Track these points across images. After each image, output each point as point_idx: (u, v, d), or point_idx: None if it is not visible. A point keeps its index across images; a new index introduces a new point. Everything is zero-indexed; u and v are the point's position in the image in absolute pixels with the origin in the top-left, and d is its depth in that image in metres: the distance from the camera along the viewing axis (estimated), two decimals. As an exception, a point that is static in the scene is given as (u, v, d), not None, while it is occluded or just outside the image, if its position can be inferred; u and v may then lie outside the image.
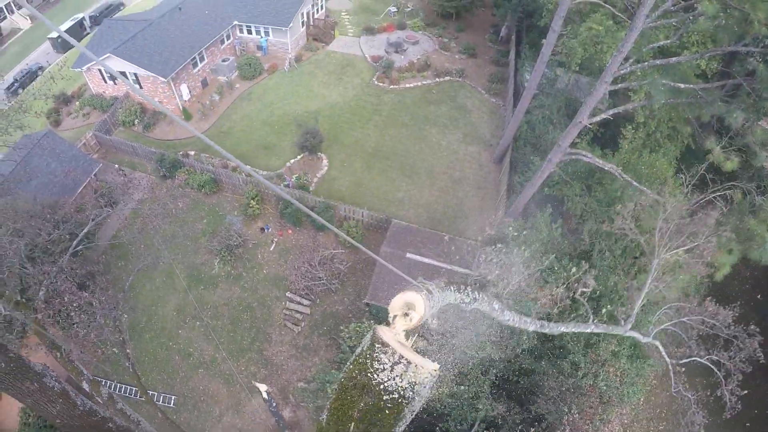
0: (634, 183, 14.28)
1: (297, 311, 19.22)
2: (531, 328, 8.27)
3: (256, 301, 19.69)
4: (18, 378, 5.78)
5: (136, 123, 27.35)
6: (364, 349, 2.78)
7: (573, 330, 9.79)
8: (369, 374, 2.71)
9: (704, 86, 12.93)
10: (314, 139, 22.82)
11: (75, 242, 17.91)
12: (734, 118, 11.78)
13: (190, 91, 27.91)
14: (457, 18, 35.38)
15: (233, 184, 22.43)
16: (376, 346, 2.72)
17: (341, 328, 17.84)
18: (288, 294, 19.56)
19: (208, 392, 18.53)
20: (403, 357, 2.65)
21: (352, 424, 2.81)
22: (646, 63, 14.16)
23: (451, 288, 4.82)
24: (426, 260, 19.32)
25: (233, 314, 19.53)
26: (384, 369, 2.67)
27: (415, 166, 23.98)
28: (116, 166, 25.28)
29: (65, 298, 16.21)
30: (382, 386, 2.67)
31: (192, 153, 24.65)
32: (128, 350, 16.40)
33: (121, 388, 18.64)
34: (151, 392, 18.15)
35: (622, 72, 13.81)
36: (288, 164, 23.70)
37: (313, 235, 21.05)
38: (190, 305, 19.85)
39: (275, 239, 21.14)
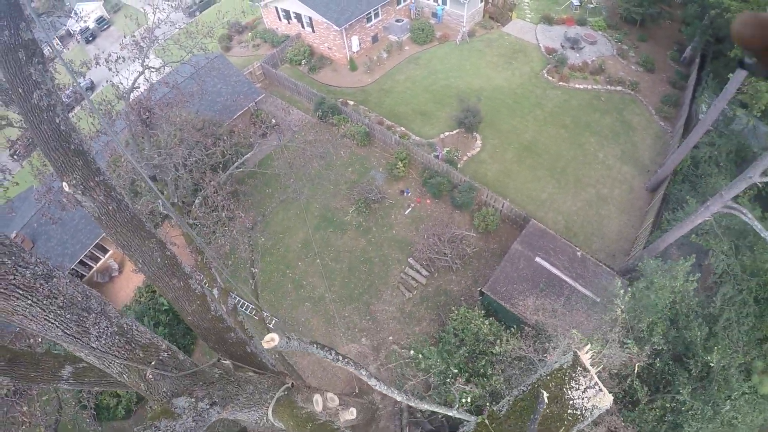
0: None
1: (413, 278, 19.21)
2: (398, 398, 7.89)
3: (378, 258, 19.96)
4: (168, 274, 6.09)
5: (302, 63, 28.55)
6: (566, 367, 3.11)
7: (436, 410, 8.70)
8: (564, 389, 3.07)
9: None
10: (473, 118, 22.21)
11: (235, 164, 19.19)
12: None
13: (359, 44, 28.44)
14: (640, 26, 32.10)
15: (385, 141, 22.69)
16: (578, 368, 3.07)
17: (451, 308, 17.52)
18: (410, 260, 19.58)
19: (308, 325, 19.33)
20: (597, 383, 3.00)
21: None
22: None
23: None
24: (553, 270, 18.28)
25: (352, 263, 20.01)
26: (578, 389, 3.03)
27: (566, 171, 22.45)
28: (279, 101, 26.63)
29: (222, 213, 17.48)
30: (571, 402, 3.03)
31: (351, 103, 25.22)
32: (255, 269, 17.35)
33: (240, 301, 19.98)
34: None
35: None
36: (442, 136, 23.41)
37: (450, 211, 20.74)
38: (316, 243, 20.70)
39: (412, 204, 21.17)
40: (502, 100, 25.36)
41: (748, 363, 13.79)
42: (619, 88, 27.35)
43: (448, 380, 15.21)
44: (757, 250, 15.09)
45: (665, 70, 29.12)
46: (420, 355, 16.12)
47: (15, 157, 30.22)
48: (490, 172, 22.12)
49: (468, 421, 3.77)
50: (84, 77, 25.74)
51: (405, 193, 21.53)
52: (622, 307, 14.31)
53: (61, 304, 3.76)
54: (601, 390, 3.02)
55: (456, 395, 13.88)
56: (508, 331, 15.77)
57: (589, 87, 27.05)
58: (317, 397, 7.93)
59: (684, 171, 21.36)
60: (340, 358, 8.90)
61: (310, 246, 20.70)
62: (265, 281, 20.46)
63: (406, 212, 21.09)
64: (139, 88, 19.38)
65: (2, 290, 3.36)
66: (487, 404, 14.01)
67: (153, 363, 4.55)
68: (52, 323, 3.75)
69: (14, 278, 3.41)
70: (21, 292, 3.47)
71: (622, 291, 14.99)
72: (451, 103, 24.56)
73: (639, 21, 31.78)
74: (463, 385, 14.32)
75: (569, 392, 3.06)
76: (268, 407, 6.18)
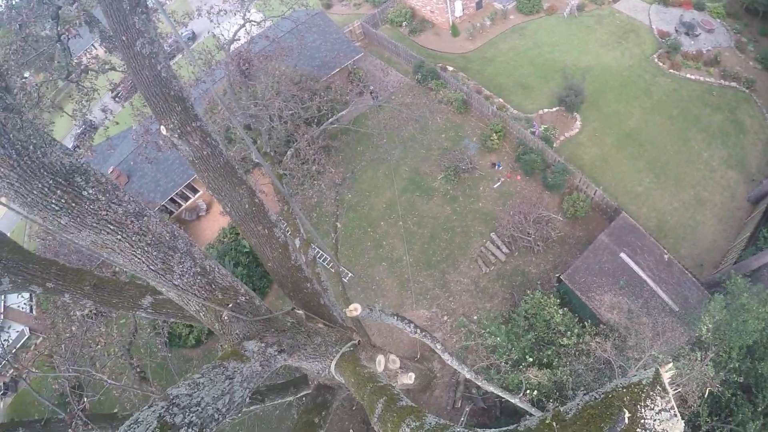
0: None
1: (493, 254, 19.30)
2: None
3: (461, 228, 20.10)
4: (254, 221, 6.20)
5: (403, 25, 28.02)
6: (645, 383, 2.97)
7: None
8: (638, 406, 2.91)
9: None
10: (576, 97, 21.33)
11: (330, 120, 19.44)
12: None
13: (463, 9, 27.48)
14: (763, 18, 28.73)
15: (481, 111, 22.32)
16: (657, 387, 2.91)
17: (526, 291, 17.49)
18: (492, 234, 19.61)
19: (381, 285, 19.89)
20: (673, 408, 2.83)
21: None
22: None
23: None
24: (636, 268, 17.80)
25: (435, 229, 20.25)
26: (653, 409, 2.87)
27: (666, 167, 21.36)
28: (378, 61, 26.30)
29: (312, 167, 17.89)
30: (642, 421, 2.87)
31: (450, 68, 24.68)
32: (339, 224, 17.74)
33: (320, 253, 20.68)
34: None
35: None
36: (540, 112, 22.71)
37: (540, 191, 20.41)
38: (401, 205, 20.99)
39: (502, 179, 20.98)
40: (608, 81, 24.04)
41: None
42: (733, 84, 25.15)
43: (516, 365, 15.26)
44: None
45: (787, 69, 26.46)
46: (487, 332, 16.33)
47: (117, 99, 31.95)
48: (587, 156, 21.37)
49: (531, 415, 3.72)
50: (185, 27, 26.35)
51: (496, 167, 21.29)
52: (709, 326, 13.81)
53: (149, 242, 3.94)
54: (675, 415, 2.86)
55: (524, 382, 13.97)
56: (580, 324, 15.56)
57: (702, 79, 25.07)
58: (380, 358, 8.08)
59: None
60: (419, 330, 9.21)
61: (395, 208, 21.03)
62: (346, 237, 21.10)
63: (495, 186, 20.93)
64: (239, 40, 19.81)
65: (94, 224, 3.52)
66: (552, 402, 14.02)
67: (230, 305, 4.72)
68: (139, 259, 3.96)
69: (106, 214, 3.55)
70: (112, 227, 3.64)
71: (712, 306, 14.41)
72: (555, 79, 23.57)
73: (762, 12, 28.56)
74: (533, 375, 14.37)
75: (643, 410, 2.90)
76: (332, 360, 6.38)
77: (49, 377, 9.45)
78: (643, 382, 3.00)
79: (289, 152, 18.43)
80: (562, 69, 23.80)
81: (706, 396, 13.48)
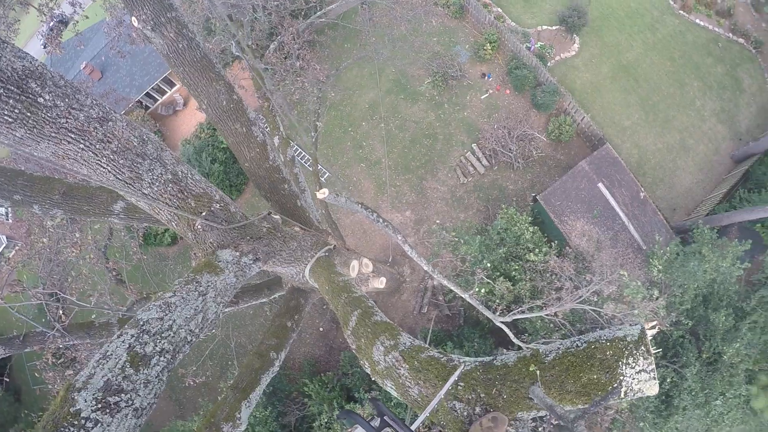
0: None
1: (472, 165, 18.97)
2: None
3: (443, 135, 19.56)
4: (232, 118, 5.98)
5: None
6: (629, 340, 2.90)
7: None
8: (620, 362, 2.87)
9: None
10: (578, 19, 20.43)
11: (317, 14, 18.19)
12: None
13: None
14: None
15: (478, 19, 21.23)
16: (642, 347, 2.86)
17: (502, 206, 17.24)
18: (474, 146, 19.17)
19: (359, 186, 19.45)
20: (653, 371, 2.84)
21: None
22: None
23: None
24: (612, 201, 17.88)
25: (416, 134, 19.67)
26: (633, 368, 2.84)
27: (657, 107, 21.01)
28: None
29: (297, 62, 16.83)
30: (621, 377, 2.85)
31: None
32: (319, 123, 17.00)
33: (299, 152, 19.94)
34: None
35: None
36: (539, 28, 21.74)
37: (527, 108, 19.86)
38: (384, 106, 20.19)
39: (490, 90, 20.30)
40: (614, 8, 23.07)
41: (755, 372, 13.87)
42: (741, 40, 24.56)
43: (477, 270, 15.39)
44: None
45: (799, 36, 25.98)
46: (461, 241, 16.16)
47: (87, -11, 29.16)
48: (580, 81, 20.76)
49: (506, 352, 3.64)
50: None
51: (486, 78, 20.52)
52: (660, 267, 14.01)
53: (114, 149, 3.54)
54: (654, 378, 2.82)
55: (474, 282, 14.10)
56: (549, 244, 15.64)
57: (710, 27, 24.33)
58: (354, 263, 8.07)
59: None
60: (381, 220, 8.96)
61: (378, 109, 20.25)
62: (326, 135, 20.38)
63: (483, 97, 20.24)
64: None
65: (53, 134, 3.09)
66: (500, 310, 14.15)
67: (203, 213, 4.44)
68: (105, 168, 3.55)
69: (66, 122, 3.12)
70: (73, 136, 3.22)
71: (665, 250, 14.62)
72: (560, -2, 22.42)
73: (786, -26, 27.77)
74: (486, 278, 14.52)
75: (624, 367, 2.85)
76: (307, 265, 6.26)
77: (21, 295, 8.98)
78: (628, 338, 2.96)
79: (272, 46, 17.40)
80: (568, -12, 22.64)
81: (655, 332, 13.78)
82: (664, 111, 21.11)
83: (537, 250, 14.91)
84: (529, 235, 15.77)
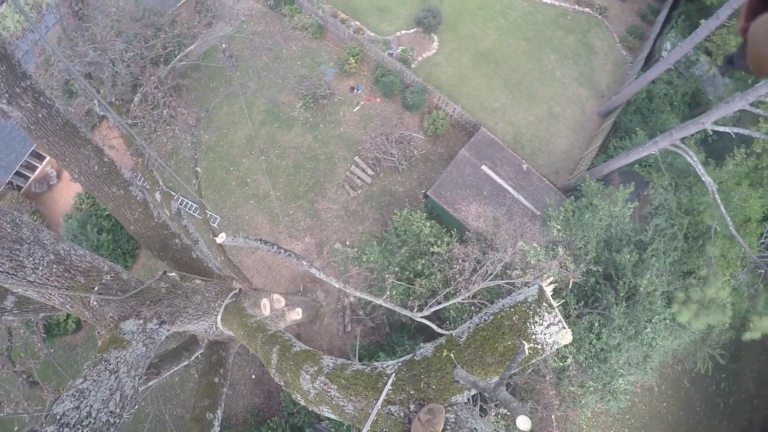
0: (722, 208, 13.67)
1: (359, 177, 19.11)
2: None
3: (324, 155, 19.61)
4: (107, 183, 5.82)
5: (257, -52, 26.02)
6: (530, 301, 3.06)
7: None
8: (528, 323, 3.02)
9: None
10: (433, 19, 21.33)
11: (178, 57, 17.83)
12: None
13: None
14: None
15: (338, 35, 21.58)
16: (544, 304, 3.02)
17: (395, 210, 17.61)
18: (356, 158, 19.36)
19: (252, 223, 19.11)
20: (561, 321, 2.98)
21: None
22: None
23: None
24: (498, 179, 18.60)
25: (298, 159, 19.59)
26: (542, 324, 3.00)
27: (521, 84, 22.31)
28: None
29: (164, 111, 16.41)
30: (533, 336, 3.01)
31: (304, -9, 23.47)
32: (198, 169, 16.65)
33: (183, 201, 19.34)
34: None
35: (766, 99, 12.91)
36: (398, 33, 22.46)
37: (400, 111, 20.36)
38: (261, 139, 20.02)
39: (362, 102, 20.62)
40: (465, 3, 24.36)
41: (671, 292, 14.93)
42: (587, 10, 26.73)
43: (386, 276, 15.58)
44: (696, 191, 15.93)
45: (637, 1, 28.66)
46: (363, 253, 16.30)
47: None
48: (444, 76, 21.64)
49: (423, 345, 3.64)
50: None
51: (355, 90, 20.86)
52: (558, 226, 14.88)
53: None
54: (564, 327, 3.01)
55: (387, 287, 14.30)
56: (449, 234, 16.13)
57: (557, 3, 26.31)
58: (264, 301, 7.95)
59: (638, 103, 21.76)
60: (283, 251, 8.86)
61: (255, 142, 19.98)
62: (209, 180, 19.82)
63: (355, 110, 20.54)
64: None
65: None
66: (416, 307, 14.43)
67: (96, 288, 4.32)
68: None
69: None
70: None
71: (559, 210, 15.62)
72: (413, 1, 23.36)
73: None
74: (395, 280, 14.72)
75: (533, 327, 3.04)
76: (217, 316, 6.13)
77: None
78: (529, 300, 3.10)
79: (136, 98, 16.73)
80: (419, -9, 23.70)
81: (569, 286, 14.53)
82: (527, 87, 22.48)
83: (439, 242, 15.30)
84: (427, 230, 16.18)
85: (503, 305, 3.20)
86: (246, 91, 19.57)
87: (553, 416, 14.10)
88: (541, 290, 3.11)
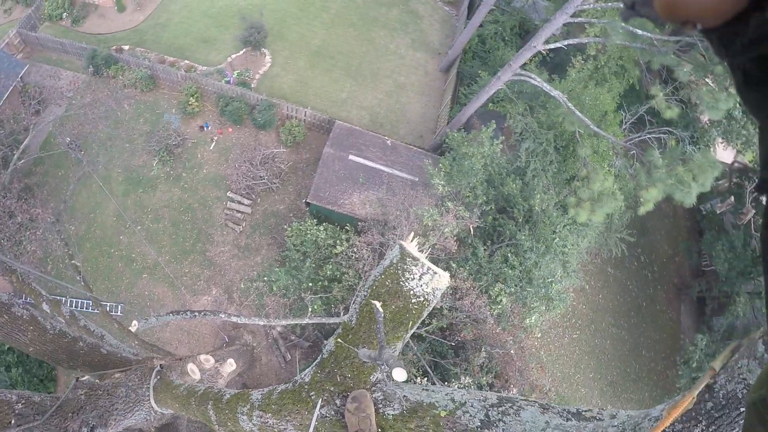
0: (577, 113, 14.74)
1: (238, 211, 19.24)
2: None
3: (197, 202, 19.50)
4: None
5: (64, 17, 24.86)
6: (395, 261, 3.20)
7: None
8: (401, 282, 3.16)
9: (660, 37, 13.21)
10: (258, 34, 21.59)
11: (16, 156, 16.89)
12: (683, 72, 12.36)
13: (120, -19, 25.19)
14: None
15: (171, 80, 21.23)
16: (407, 259, 3.17)
17: (285, 227, 18.00)
18: (229, 194, 19.41)
19: (154, 297, 18.68)
20: (430, 268, 3.12)
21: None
22: (610, 3, 14.24)
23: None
24: (369, 163, 19.41)
25: (174, 216, 19.34)
26: (414, 278, 3.14)
27: (361, 68, 23.28)
28: (46, 66, 23.13)
29: (18, 217, 15.57)
30: (411, 292, 3.14)
31: (126, 47, 22.81)
32: (77, 263, 15.97)
33: (75, 302, 18.44)
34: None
35: (584, 6, 14.06)
36: (229, 59, 22.49)
37: (255, 133, 20.60)
38: (130, 210, 19.43)
39: (215, 137, 20.60)
40: (286, 9, 24.75)
41: (562, 201, 16.22)
42: (401, -20, 28.02)
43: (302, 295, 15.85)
44: (550, 107, 17.12)
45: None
46: (272, 282, 16.53)
47: None
48: (286, 85, 22.07)
49: (327, 342, 3.72)
50: None
51: (205, 128, 20.75)
52: (442, 183, 15.88)
53: None
54: (435, 273, 3.09)
55: (308, 304, 14.74)
56: (345, 231, 16.59)
57: (370, -18, 27.42)
58: (191, 366, 7.82)
59: (473, 49, 23.23)
60: (196, 314, 8.95)
61: (126, 215, 19.37)
62: (94, 270, 18.87)
63: (211, 147, 20.48)
64: None
65: None
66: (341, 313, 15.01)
67: (12, 422, 4.26)
68: None
69: None
70: None
71: (437, 168, 16.58)
72: (234, 23, 23.30)
73: None
74: (312, 295, 15.09)
75: (407, 284, 3.10)
76: (149, 400, 5.97)
77: None
78: (394, 261, 3.21)
79: None
80: (238, 11, 23.67)
81: (472, 233, 15.63)
82: (368, 68, 23.49)
83: (338, 241, 15.81)
84: (323, 234, 16.66)
85: (375, 275, 3.36)
86: (97, 167, 18.91)
87: (512, 351, 15.12)
88: (401, 248, 3.24)
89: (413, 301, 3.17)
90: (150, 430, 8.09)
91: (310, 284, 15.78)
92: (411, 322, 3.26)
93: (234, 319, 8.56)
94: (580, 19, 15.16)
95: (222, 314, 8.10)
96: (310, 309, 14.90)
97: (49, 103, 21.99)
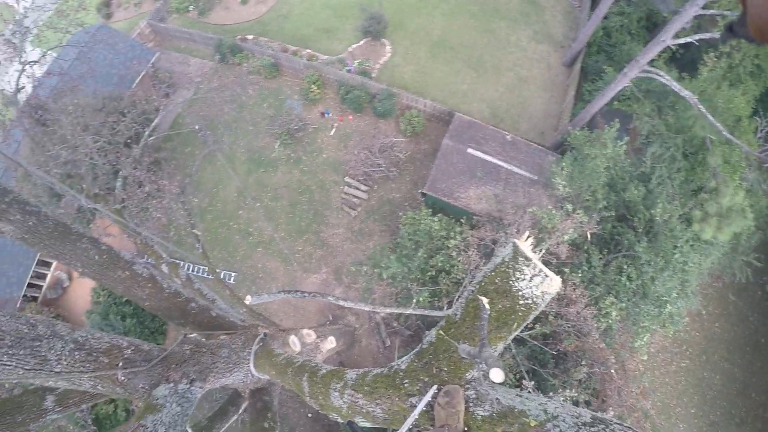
0: (709, 116, 13.67)
1: (354, 196, 19.49)
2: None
3: (315, 184, 19.98)
4: (110, 268, 6.01)
5: (190, 9, 26.77)
6: (507, 260, 3.11)
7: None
8: (510, 282, 3.06)
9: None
10: (378, 24, 21.81)
11: (147, 132, 18.25)
12: None
13: (246, -26, 26.56)
14: None
15: (294, 68, 22.10)
16: (520, 259, 3.06)
17: (399, 215, 17.85)
18: (346, 179, 19.72)
19: (267, 270, 19.41)
20: (542, 270, 2.99)
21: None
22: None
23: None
24: (487, 157, 18.82)
25: (292, 196, 19.96)
26: (524, 279, 3.03)
27: (482, 60, 22.65)
28: (175, 54, 24.95)
29: (147, 187, 16.75)
30: (520, 293, 3.04)
31: (250, 37, 23.96)
32: (197, 232, 16.93)
33: (192, 267, 19.62)
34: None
35: None
36: (350, 49, 22.95)
37: (374, 122, 20.78)
38: (250, 187, 20.41)
39: (335, 124, 21.08)
40: (405, 0, 24.70)
41: (687, 213, 14.88)
42: (520, -32, 27.07)
43: (409, 284, 15.65)
44: (679, 108, 15.96)
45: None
46: (380, 267, 16.42)
47: None
48: (407, 75, 22.13)
49: (428, 333, 3.66)
50: None
51: (326, 115, 21.39)
52: (564, 183, 14.96)
53: (9, 344, 3.72)
54: (547, 276, 3.01)
55: (413, 295, 14.40)
56: (459, 223, 16.24)
57: (490, -28, 26.65)
58: (293, 338, 8.07)
59: (597, 42, 22.05)
60: (306, 294, 9.08)
61: (246, 192, 20.43)
62: (212, 240, 20.21)
63: (332, 133, 21.07)
64: (23, 87, 17.92)
65: None
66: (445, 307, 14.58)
67: (120, 365, 4.58)
68: (8, 365, 3.72)
69: None
70: None
71: (560, 167, 15.68)
72: (354, 14, 23.94)
73: None
74: (419, 287, 14.99)
75: (516, 284, 3.04)
76: (248, 364, 6.29)
77: None
78: (506, 259, 3.13)
79: (118, 183, 17.13)
80: (357, 2, 24.16)
81: (589, 239, 14.57)
82: (489, 60, 22.82)
83: (452, 233, 15.41)
84: (437, 225, 16.27)
85: (485, 272, 3.28)
86: (222, 146, 20.02)
87: (613, 370, 14.01)
88: (514, 246, 3.13)
89: (520, 302, 3.07)
90: (245, 392, 8.28)
91: (419, 275, 15.53)
92: (515, 324, 3.15)
93: (341, 302, 8.39)
94: (711, 11, 13.92)
95: (330, 297, 8.00)
96: (414, 300, 14.53)
97: (178, 87, 23.67)
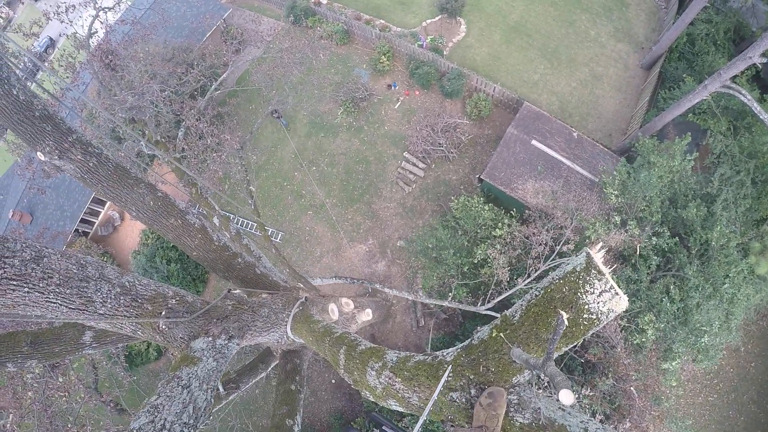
0: None
1: (411, 172, 19.67)
2: None
3: (373, 156, 20.23)
4: (163, 215, 6.15)
5: (267, -32, 26.92)
6: (578, 270, 3.01)
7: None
8: (578, 294, 2.97)
9: None
10: (456, 2, 21.80)
11: (213, 86, 18.78)
12: None
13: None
14: None
15: (365, 37, 22.29)
16: (592, 271, 2.97)
17: (452, 198, 17.87)
18: (405, 154, 19.92)
19: (313, 233, 19.84)
20: (612, 287, 2.91)
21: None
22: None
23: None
24: (550, 152, 18.63)
25: (348, 165, 20.28)
26: (593, 293, 2.94)
27: (557, 51, 22.19)
28: (248, 12, 25.35)
29: (208, 140, 17.29)
30: (586, 306, 2.96)
31: (324, 2, 24.18)
32: (252, 188, 17.36)
33: (242, 222, 20.26)
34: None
35: None
36: (424, 24, 22.92)
37: (441, 100, 20.80)
38: (308, 150, 20.84)
39: (401, 98, 21.26)
40: (485, -20, 24.37)
41: (745, 243, 14.52)
42: (608, -39, 26.13)
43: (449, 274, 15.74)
44: (756, 131, 15.42)
45: (657, -59, 27.78)
46: (428, 248, 16.49)
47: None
48: (479, 57, 21.98)
49: (480, 329, 3.71)
50: (38, 37, 24.69)
51: (392, 87, 21.57)
52: (616, 192, 14.60)
53: (57, 282, 3.81)
54: (617, 293, 2.93)
55: (452, 288, 14.46)
56: (509, 215, 16.23)
57: (577, -39, 25.84)
58: (332, 306, 8.31)
59: (680, 48, 21.36)
60: (356, 281, 9.14)
61: (304, 155, 20.93)
62: (264, 198, 20.84)
63: (396, 106, 21.30)
64: (96, 32, 18.70)
65: None
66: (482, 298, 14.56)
67: (163, 313, 4.70)
68: (54, 302, 3.83)
69: (3, 272, 3.40)
70: (15, 283, 3.50)
71: (614, 175, 15.27)
72: (432, -12, 23.60)
73: None
74: (457, 280, 15.26)
75: (584, 296, 2.96)
76: (286, 326, 6.44)
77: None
78: (578, 269, 3.05)
79: (180, 133, 17.78)
80: (436, -23, 23.84)
81: (638, 252, 14.24)
82: (564, 52, 22.32)
83: (499, 224, 15.37)
84: (487, 214, 16.22)
85: (552, 278, 3.19)
86: (285, 107, 20.37)
87: (632, 388, 13.77)
88: (588, 257, 3.01)
89: (585, 316, 2.98)
90: (277, 351, 8.62)
91: (459, 262, 15.58)
92: (574, 338, 3.07)
93: (386, 290, 8.50)
94: (804, 31, 13.13)
95: (377, 284, 8.12)
96: (451, 295, 14.60)
97: (248, 44, 24.16)
